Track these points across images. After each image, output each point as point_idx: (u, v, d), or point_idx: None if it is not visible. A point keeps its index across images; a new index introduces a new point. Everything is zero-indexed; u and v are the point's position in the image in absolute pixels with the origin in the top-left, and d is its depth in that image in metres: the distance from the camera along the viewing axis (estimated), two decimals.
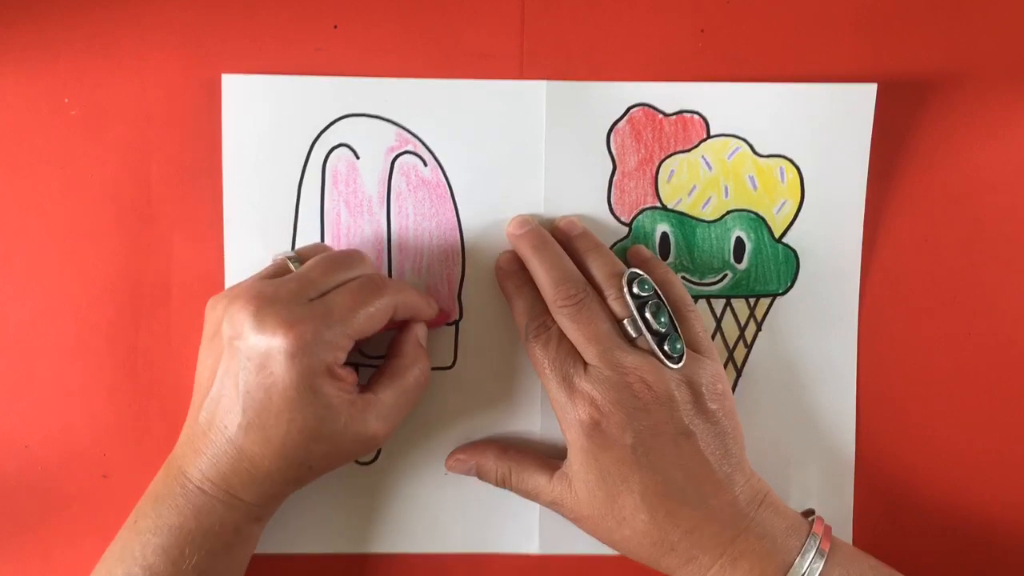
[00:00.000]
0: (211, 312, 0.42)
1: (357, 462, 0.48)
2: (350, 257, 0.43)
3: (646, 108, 0.47)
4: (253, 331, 0.39)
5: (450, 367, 0.48)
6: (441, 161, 0.47)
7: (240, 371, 0.40)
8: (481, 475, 0.46)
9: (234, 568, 0.42)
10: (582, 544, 0.46)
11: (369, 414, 0.42)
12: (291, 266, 0.43)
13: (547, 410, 0.48)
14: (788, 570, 0.40)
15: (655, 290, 0.44)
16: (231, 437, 0.40)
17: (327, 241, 0.47)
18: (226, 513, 0.41)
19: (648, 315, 0.43)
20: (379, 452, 0.48)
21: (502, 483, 0.46)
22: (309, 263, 0.43)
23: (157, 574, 0.40)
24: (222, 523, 0.41)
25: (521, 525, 0.48)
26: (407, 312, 0.44)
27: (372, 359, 0.47)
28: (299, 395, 0.39)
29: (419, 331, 0.45)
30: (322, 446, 0.41)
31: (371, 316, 0.41)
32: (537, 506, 0.47)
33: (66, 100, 0.47)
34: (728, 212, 0.48)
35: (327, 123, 0.47)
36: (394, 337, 0.45)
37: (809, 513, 0.44)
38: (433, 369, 0.48)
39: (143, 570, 0.40)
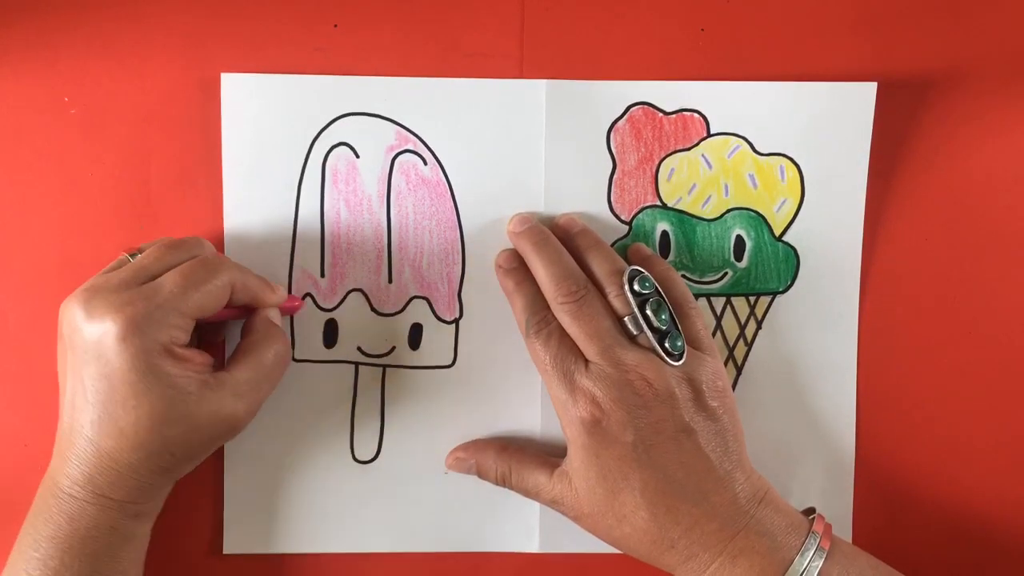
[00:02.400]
0: (60, 316, 0.42)
1: (357, 460, 0.48)
2: (185, 242, 0.43)
3: (646, 107, 0.47)
4: (85, 321, 0.39)
5: (450, 366, 0.48)
6: (441, 160, 0.47)
7: (82, 366, 0.40)
8: (481, 474, 0.46)
9: (122, 570, 0.42)
10: (582, 543, 0.46)
11: (223, 392, 0.41)
12: (129, 259, 0.43)
13: (547, 408, 0.48)
14: (788, 568, 0.40)
15: (656, 287, 0.44)
16: (88, 436, 0.40)
17: (327, 241, 0.47)
18: (99, 515, 0.40)
19: (649, 312, 0.43)
20: (379, 451, 0.48)
21: (502, 482, 0.46)
22: (144, 251, 0.43)
23: None
24: (97, 525, 0.40)
25: (521, 524, 0.48)
26: (247, 294, 0.43)
27: (371, 357, 0.47)
28: (140, 378, 0.39)
29: (270, 312, 0.45)
30: (176, 430, 0.40)
31: (206, 295, 0.41)
32: (537, 505, 0.47)
33: (66, 100, 0.47)
34: (728, 210, 0.48)
35: (327, 122, 0.47)
36: (246, 318, 0.45)
37: (810, 511, 0.44)
38: (433, 368, 0.48)
39: None
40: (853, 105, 0.47)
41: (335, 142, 0.47)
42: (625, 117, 0.47)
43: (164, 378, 0.40)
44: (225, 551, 0.48)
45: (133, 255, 0.43)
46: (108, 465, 0.40)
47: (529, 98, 0.47)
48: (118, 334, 0.39)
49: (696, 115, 0.47)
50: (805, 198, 0.48)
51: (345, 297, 0.47)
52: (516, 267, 0.46)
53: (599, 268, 0.44)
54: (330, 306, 0.47)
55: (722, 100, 0.47)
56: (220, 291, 0.42)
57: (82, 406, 0.40)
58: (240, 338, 0.44)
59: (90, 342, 0.39)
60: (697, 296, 0.47)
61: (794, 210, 0.48)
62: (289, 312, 0.47)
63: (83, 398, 0.40)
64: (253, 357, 0.43)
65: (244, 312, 0.45)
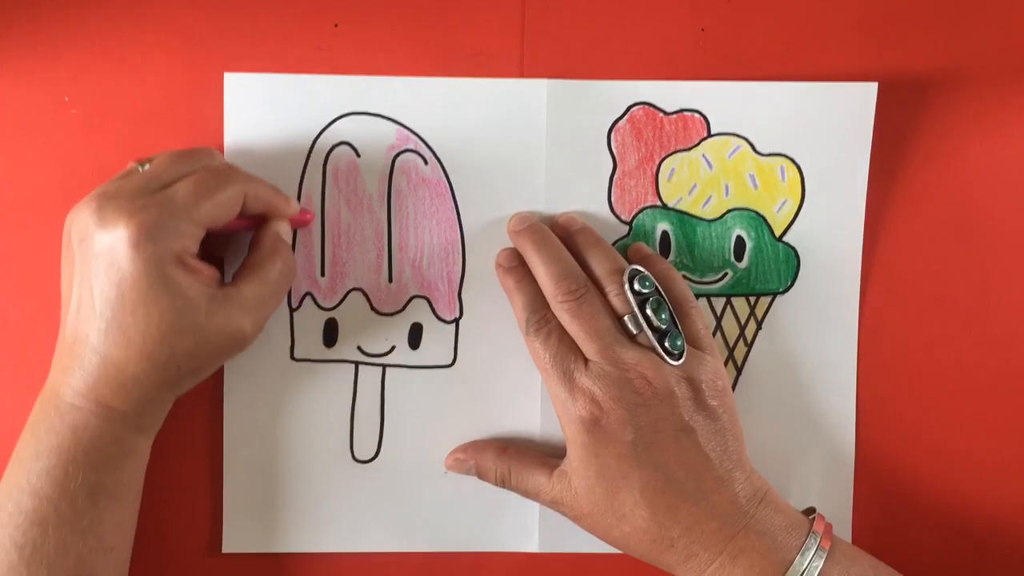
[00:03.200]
0: (66, 225, 0.42)
1: (357, 460, 0.48)
2: (196, 151, 0.43)
3: (646, 107, 0.47)
4: (97, 228, 0.39)
5: (450, 365, 0.48)
6: (442, 159, 0.47)
7: (91, 273, 0.39)
8: (480, 475, 0.46)
9: (125, 482, 0.42)
10: (582, 542, 0.46)
11: (231, 307, 0.41)
12: (139, 168, 0.42)
13: (547, 409, 0.48)
14: (788, 568, 0.40)
15: (656, 287, 0.44)
16: (94, 346, 0.39)
17: (327, 240, 0.47)
18: (102, 426, 0.40)
19: (649, 311, 0.42)
20: (379, 451, 0.48)
21: (501, 483, 0.46)
22: (155, 160, 0.42)
23: (46, 497, 0.39)
24: (100, 437, 0.40)
25: (521, 524, 0.48)
26: (259, 204, 0.43)
27: (371, 357, 0.47)
28: (151, 286, 0.39)
29: (279, 226, 0.44)
30: (185, 341, 0.40)
31: (218, 204, 0.41)
32: (537, 504, 0.47)
33: (66, 100, 0.47)
34: (728, 211, 0.48)
35: (328, 121, 0.47)
36: (254, 232, 0.44)
37: (810, 511, 0.44)
38: (433, 368, 0.48)
39: (31, 497, 0.39)
40: (854, 105, 0.47)
41: (336, 141, 0.47)
42: (626, 117, 0.47)
43: (175, 287, 0.39)
44: (224, 550, 0.47)
45: (143, 164, 0.42)
46: (113, 375, 0.40)
47: (530, 98, 0.47)
48: (131, 240, 0.38)
49: (697, 115, 0.47)
50: (805, 198, 0.48)
51: (345, 296, 0.47)
52: (516, 266, 0.46)
53: (599, 267, 0.44)
54: (330, 305, 0.47)
55: (723, 100, 0.47)
56: (232, 200, 0.41)
57: (88, 315, 0.39)
58: (246, 254, 0.44)
59: (101, 249, 0.39)
60: (697, 296, 0.47)
61: (794, 210, 0.48)
62: (300, 225, 0.46)
63: (90, 307, 0.39)
64: (260, 273, 0.42)
65: (252, 224, 0.44)
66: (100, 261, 0.39)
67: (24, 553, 0.39)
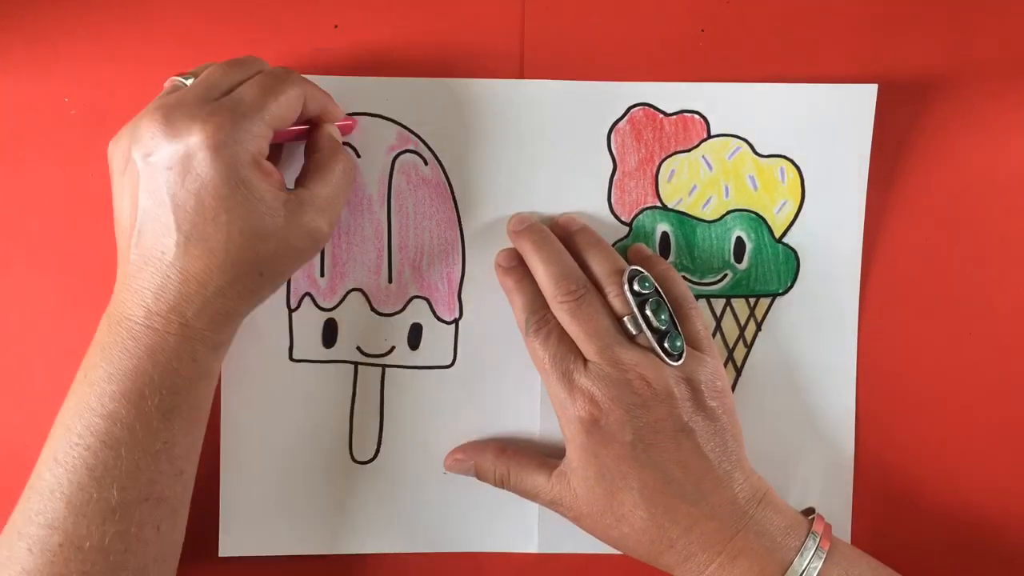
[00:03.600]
0: (115, 149, 0.41)
1: (356, 461, 0.48)
2: (247, 58, 0.43)
3: (646, 108, 0.47)
4: (167, 139, 0.38)
5: (450, 366, 0.48)
6: (441, 160, 0.47)
7: (164, 186, 0.38)
8: (480, 475, 0.46)
9: (198, 405, 0.41)
10: (581, 543, 0.46)
11: (306, 208, 0.41)
12: (181, 82, 0.42)
13: (547, 409, 0.48)
14: (787, 568, 0.40)
15: (655, 287, 0.44)
16: (172, 261, 0.39)
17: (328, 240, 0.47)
18: (180, 346, 0.39)
19: (648, 312, 0.42)
20: (378, 451, 0.48)
21: (501, 483, 0.46)
22: (206, 70, 0.42)
23: (120, 419, 0.39)
24: (178, 357, 0.39)
25: (520, 524, 0.48)
26: (316, 104, 0.43)
27: (370, 357, 0.47)
28: (232, 191, 0.38)
29: (330, 129, 0.44)
30: (268, 244, 0.39)
31: (283, 104, 0.40)
32: (536, 505, 0.47)
33: (66, 100, 0.47)
34: (728, 212, 0.48)
35: None
36: (308, 137, 0.44)
37: (809, 512, 0.44)
38: (432, 368, 0.48)
39: (103, 419, 0.39)
40: (854, 107, 0.47)
41: None
42: (626, 118, 0.47)
43: (255, 191, 0.39)
44: (221, 554, 0.47)
45: (186, 78, 0.42)
46: (194, 290, 0.39)
47: (530, 98, 0.47)
48: (210, 144, 0.38)
49: (697, 116, 0.47)
50: (805, 200, 0.48)
51: (345, 297, 0.47)
52: (516, 266, 0.46)
53: (599, 267, 0.44)
54: (330, 306, 0.47)
55: (723, 101, 0.47)
56: (295, 100, 0.41)
57: (162, 230, 0.39)
58: (306, 157, 0.44)
59: (175, 158, 0.38)
60: (697, 297, 0.47)
61: (794, 212, 0.48)
62: (345, 131, 0.46)
63: (164, 222, 0.38)
64: (327, 172, 0.42)
65: (304, 132, 0.44)
66: (174, 172, 0.38)
67: (95, 474, 0.38)
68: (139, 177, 0.39)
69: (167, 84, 0.43)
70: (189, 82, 0.41)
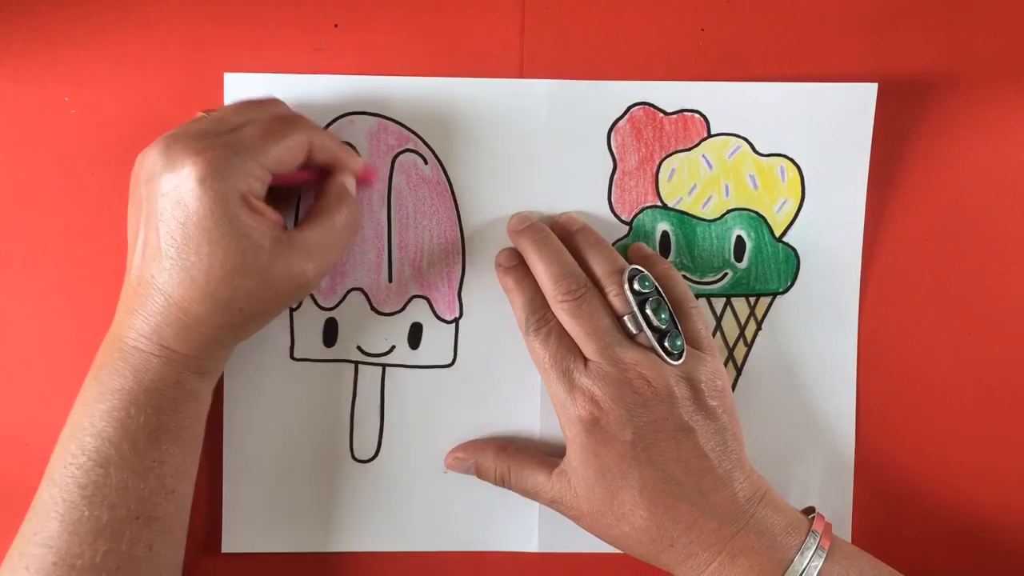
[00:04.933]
0: (135, 170, 0.42)
1: (356, 460, 0.48)
2: (264, 100, 0.43)
3: (647, 107, 0.47)
4: (163, 167, 0.39)
5: (450, 365, 0.48)
6: (442, 159, 0.47)
7: (157, 212, 0.39)
8: (480, 474, 0.46)
9: (186, 425, 0.42)
10: (581, 542, 0.46)
11: (294, 251, 0.41)
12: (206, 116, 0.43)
13: (547, 408, 0.48)
14: (787, 568, 0.40)
15: (655, 287, 0.44)
16: (159, 286, 0.40)
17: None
18: (164, 368, 0.40)
19: (648, 311, 0.43)
20: (379, 450, 0.48)
21: (501, 482, 0.46)
22: (222, 108, 0.43)
23: (107, 438, 0.40)
24: (162, 378, 0.40)
25: (520, 523, 0.48)
26: (325, 154, 0.43)
27: (371, 356, 0.47)
28: (216, 224, 0.39)
29: (343, 178, 0.44)
30: (248, 282, 0.40)
31: (285, 148, 0.41)
32: (536, 504, 0.47)
33: (66, 100, 0.47)
34: (728, 211, 0.48)
35: (328, 121, 0.47)
36: (320, 183, 0.44)
37: (810, 511, 0.44)
38: (433, 367, 0.48)
39: (93, 437, 0.40)
40: (854, 106, 0.47)
41: None
42: (626, 117, 0.47)
43: (240, 227, 0.39)
44: (224, 550, 0.47)
45: (209, 113, 0.43)
46: (176, 316, 0.40)
47: (530, 98, 0.47)
48: (197, 177, 0.38)
49: (697, 115, 0.47)
50: (805, 199, 0.48)
51: (345, 296, 0.47)
52: (516, 265, 0.46)
53: (599, 267, 0.44)
54: (330, 305, 0.47)
55: (723, 100, 0.47)
56: (298, 146, 0.42)
57: (154, 256, 0.40)
58: (314, 201, 0.44)
59: (168, 187, 0.39)
60: (697, 296, 0.47)
61: (794, 211, 0.48)
62: (364, 183, 0.46)
63: (155, 247, 0.39)
64: (325, 219, 0.42)
65: (318, 178, 0.44)
66: (166, 200, 0.39)
67: (86, 492, 0.39)
68: (143, 203, 0.40)
69: (196, 116, 0.44)
70: (211, 115, 0.42)
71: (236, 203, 0.39)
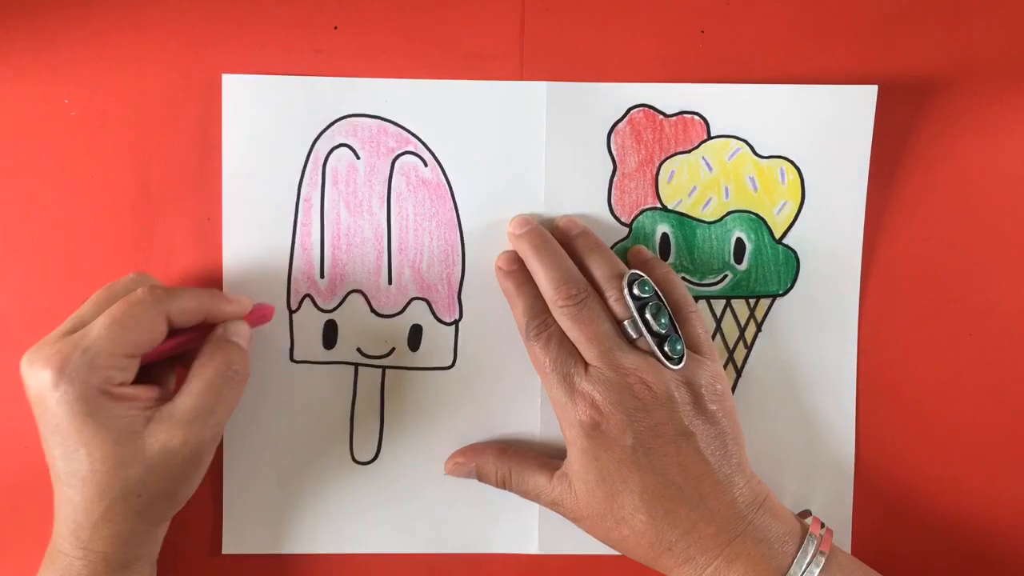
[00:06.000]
0: None
1: (356, 462, 0.48)
2: (120, 282, 0.43)
3: (646, 109, 0.47)
4: (27, 379, 0.40)
5: (450, 367, 0.48)
6: (441, 161, 0.47)
7: (40, 422, 0.40)
8: (481, 477, 0.46)
9: None
10: (581, 544, 0.46)
11: (169, 424, 0.40)
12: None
13: (547, 410, 0.48)
14: (784, 575, 0.40)
15: (655, 291, 0.44)
16: (62, 490, 0.40)
17: (327, 242, 0.47)
18: (84, 570, 0.41)
19: (648, 316, 0.43)
20: (378, 452, 0.48)
21: (502, 484, 0.46)
22: (85, 303, 0.42)
23: None
24: None
25: (520, 525, 0.48)
26: (189, 316, 0.42)
27: (370, 358, 0.47)
28: (82, 425, 0.39)
29: (224, 329, 0.43)
30: (132, 471, 0.40)
31: (136, 330, 0.40)
32: (536, 506, 0.47)
33: (66, 100, 0.47)
34: (728, 213, 0.48)
35: (327, 123, 0.47)
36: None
37: (806, 514, 0.44)
38: (433, 369, 0.48)
39: None
40: (854, 108, 0.47)
41: (335, 144, 0.47)
42: (625, 119, 0.47)
43: (106, 421, 0.39)
44: (224, 551, 0.48)
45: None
46: (83, 517, 0.40)
47: (529, 100, 0.47)
48: (51, 383, 0.39)
49: (696, 117, 0.47)
50: (805, 201, 0.48)
51: (345, 298, 0.47)
52: (516, 269, 0.46)
53: (599, 271, 0.44)
54: (330, 307, 0.47)
55: (722, 103, 0.47)
56: (152, 323, 0.41)
57: (52, 462, 0.40)
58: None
59: (35, 397, 0.40)
60: (697, 298, 0.47)
61: (794, 213, 0.48)
62: (259, 323, 0.45)
63: (50, 453, 0.40)
64: (200, 381, 0.41)
65: (200, 335, 0.43)
66: (38, 408, 0.40)
67: None
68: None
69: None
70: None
71: (95, 399, 0.39)
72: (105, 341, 0.40)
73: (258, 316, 0.45)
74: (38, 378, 0.39)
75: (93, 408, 0.39)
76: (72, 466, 0.39)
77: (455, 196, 0.47)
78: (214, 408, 0.42)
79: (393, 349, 0.48)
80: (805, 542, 0.41)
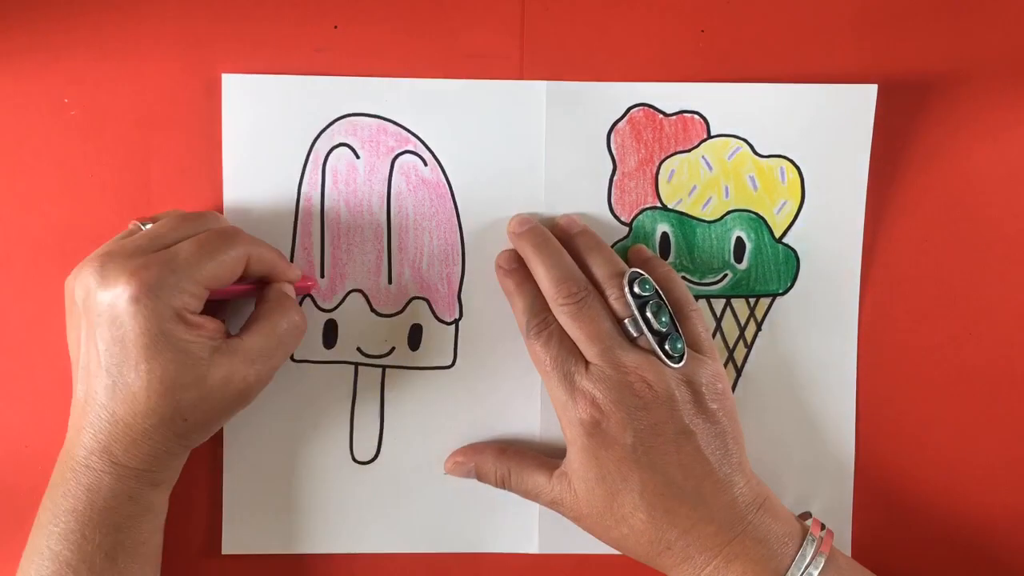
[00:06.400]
0: (68, 285, 0.42)
1: (356, 461, 0.48)
2: (201, 214, 0.44)
3: (646, 108, 0.47)
4: (99, 286, 0.39)
5: (450, 366, 0.48)
6: (441, 161, 0.47)
7: (96, 330, 0.40)
8: (481, 477, 0.46)
9: (143, 540, 0.42)
10: (581, 543, 0.46)
11: (235, 358, 0.41)
12: (140, 227, 0.43)
13: (547, 410, 0.48)
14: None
15: (656, 290, 0.44)
16: (103, 403, 0.40)
17: (327, 241, 0.47)
18: (116, 484, 0.40)
19: (649, 315, 0.43)
20: (379, 452, 0.48)
21: (502, 484, 0.46)
22: (158, 221, 0.43)
23: (65, 561, 0.40)
24: (115, 496, 0.40)
25: (520, 525, 0.48)
26: (262, 266, 0.44)
27: (370, 358, 0.47)
28: (152, 342, 0.39)
29: (283, 286, 0.45)
30: (188, 394, 0.40)
31: (220, 264, 0.41)
32: (536, 505, 0.47)
33: (66, 100, 0.47)
34: (728, 212, 0.48)
35: (327, 123, 0.47)
36: (259, 291, 0.45)
37: (806, 516, 0.44)
38: (433, 369, 0.48)
39: (51, 561, 0.40)
40: (853, 107, 0.47)
41: (335, 143, 0.47)
42: (625, 118, 0.47)
43: (176, 342, 0.40)
44: (224, 551, 0.48)
45: (144, 224, 0.43)
46: (123, 432, 0.40)
47: (529, 99, 0.47)
48: (132, 297, 0.39)
49: (696, 117, 0.47)
50: (805, 200, 0.48)
51: (345, 297, 0.47)
52: (516, 268, 0.46)
53: (599, 270, 0.44)
54: (330, 306, 0.47)
55: (722, 102, 0.47)
56: (234, 262, 0.42)
57: (96, 373, 0.40)
58: (254, 308, 0.44)
59: (104, 306, 0.39)
60: (697, 298, 0.47)
61: (794, 212, 0.48)
62: (303, 292, 0.47)
63: (97, 365, 0.40)
64: (266, 324, 0.43)
65: (256, 289, 0.44)
66: (103, 319, 0.39)
67: None
68: (82, 320, 0.41)
69: (129, 226, 0.44)
70: (147, 227, 0.43)
71: (171, 320, 0.39)
72: (192, 267, 0.40)
73: (302, 286, 0.46)
74: (115, 290, 0.39)
75: (167, 329, 0.39)
76: (127, 379, 0.39)
77: (455, 195, 0.47)
78: (275, 351, 0.43)
79: (393, 348, 0.48)
80: (805, 543, 0.41)
